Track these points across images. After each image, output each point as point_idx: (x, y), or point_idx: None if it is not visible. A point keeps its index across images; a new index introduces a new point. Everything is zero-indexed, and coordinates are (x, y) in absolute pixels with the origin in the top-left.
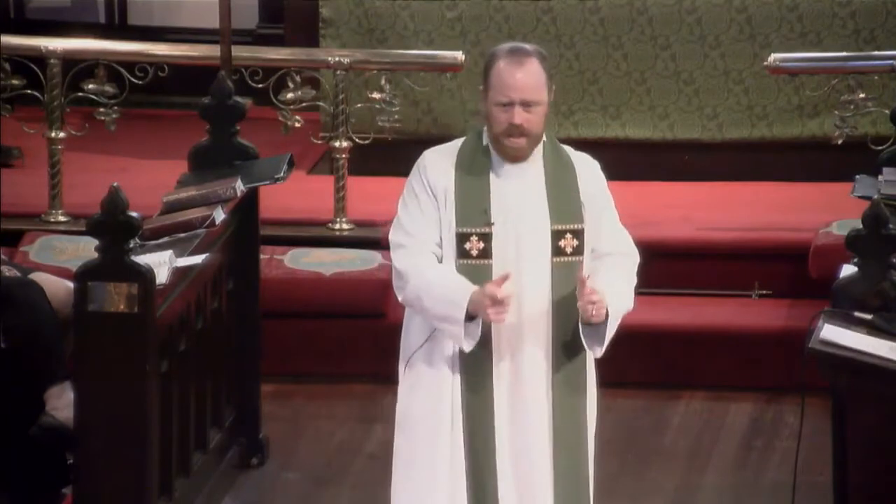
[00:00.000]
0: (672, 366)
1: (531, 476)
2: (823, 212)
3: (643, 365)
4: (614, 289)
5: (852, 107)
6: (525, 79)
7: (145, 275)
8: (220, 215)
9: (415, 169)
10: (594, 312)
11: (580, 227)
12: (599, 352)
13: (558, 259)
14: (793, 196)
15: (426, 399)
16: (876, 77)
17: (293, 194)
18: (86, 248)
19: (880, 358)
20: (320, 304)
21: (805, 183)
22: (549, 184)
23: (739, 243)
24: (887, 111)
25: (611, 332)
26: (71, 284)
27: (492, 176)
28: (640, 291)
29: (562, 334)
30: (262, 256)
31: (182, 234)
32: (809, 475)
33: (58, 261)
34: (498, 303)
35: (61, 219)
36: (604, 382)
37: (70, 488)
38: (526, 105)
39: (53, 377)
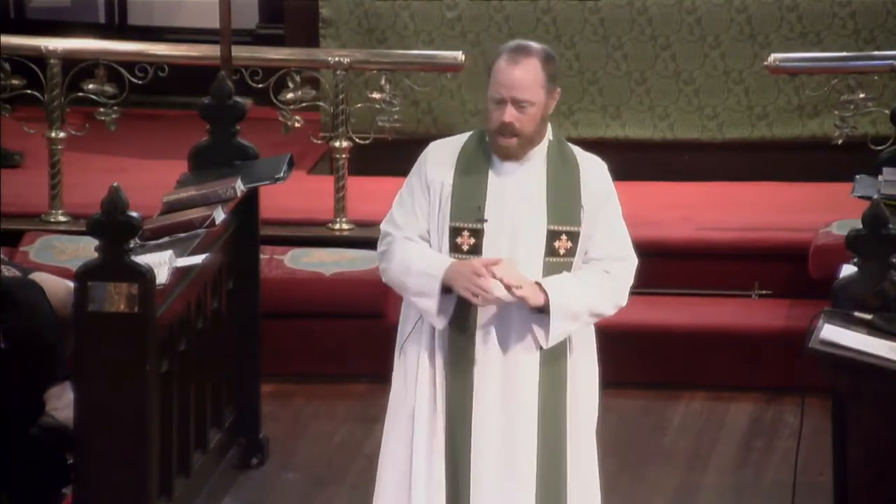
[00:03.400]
0: (672, 366)
1: (514, 468)
2: (823, 212)
3: (643, 365)
4: (566, 287)
5: (852, 107)
6: (518, 77)
7: (145, 275)
8: (220, 215)
9: (418, 160)
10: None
11: (577, 229)
12: (544, 343)
13: (551, 259)
14: (793, 196)
15: (410, 386)
16: (876, 77)
17: (293, 194)
18: (86, 248)
19: (880, 358)
20: (320, 304)
21: (805, 183)
22: (549, 184)
23: (739, 243)
24: (887, 111)
25: (558, 326)
26: (71, 284)
27: (491, 173)
28: (640, 291)
29: None
30: (262, 256)
31: (182, 234)
32: (809, 475)
33: (58, 261)
34: (478, 275)
35: (61, 219)
36: (604, 382)
37: (70, 488)
38: (517, 104)
39: (53, 377)
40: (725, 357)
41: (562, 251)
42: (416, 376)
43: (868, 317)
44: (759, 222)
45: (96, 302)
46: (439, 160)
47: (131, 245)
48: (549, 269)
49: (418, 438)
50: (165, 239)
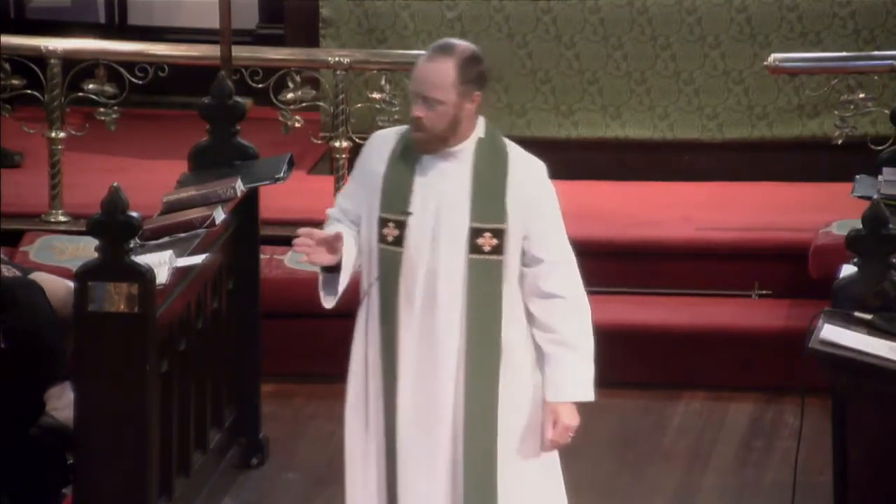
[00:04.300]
0: (672, 366)
1: (434, 473)
2: (823, 212)
3: (643, 365)
4: (571, 372)
5: (852, 107)
6: (427, 75)
7: (145, 275)
8: (220, 215)
9: (363, 148)
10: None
11: (501, 227)
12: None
13: (474, 256)
14: (793, 196)
15: (351, 386)
16: (876, 77)
17: (293, 194)
18: (86, 248)
19: (880, 358)
20: (320, 304)
21: (805, 183)
22: (474, 181)
23: (739, 243)
24: (887, 111)
25: (589, 389)
26: (71, 284)
27: (418, 167)
28: (640, 291)
29: (474, 329)
30: (262, 256)
31: (182, 234)
32: (809, 475)
33: (58, 261)
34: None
35: (61, 219)
36: (604, 382)
37: (70, 488)
38: (426, 100)
39: (53, 377)
40: (725, 357)
41: (486, 248)
42: (358, 380)
43: (868, 317)
44: (759, 222)
45: (96, 302)
46: (377, 150)
47: (131, 245)
48: (474, 266)
49: (360, 446)
50: (165, 239)
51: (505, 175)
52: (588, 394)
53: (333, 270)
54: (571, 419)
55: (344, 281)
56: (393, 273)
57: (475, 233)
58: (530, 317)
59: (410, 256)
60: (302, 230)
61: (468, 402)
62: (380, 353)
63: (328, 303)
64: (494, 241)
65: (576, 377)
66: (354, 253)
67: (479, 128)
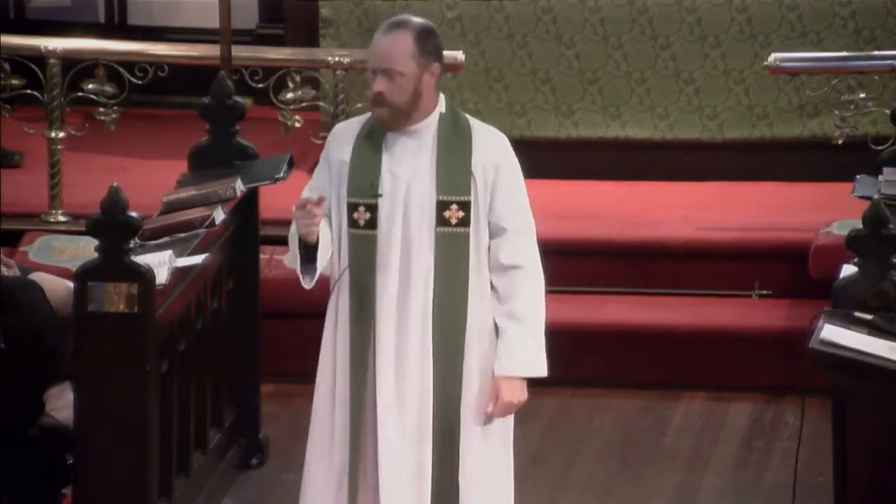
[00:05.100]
0: (672, 366)
1: (408, 447)
2: (823, 212)
3: (643, 365)
4: (522, 347)
5: (852, 107)
6: (385, 48)
7: (145, 275)
8: (220, 215)
9: (326, 142)
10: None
11: (466, 199)
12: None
13: (442, 229)
14: (793, 196)
15: (321, 365)
16: (876, 77)
17: (293, 194)
18: (86, 248)
19: (880, 358)
20: (320, 304)
21: (805, 183)
22: (439, 155)
23: (739, 243)
24: (887, 111)
25: (538, 364)
26: (71, 284)
27: (384, 148)
28: (640, 291)
29: (442, 301)
30: (262, 256)
31: (182, 234)
32: (809, 475)
33: (58, 261)
34: (302, 208)
35: (61, 219)
36: (604, 382)
37: (70, 488)
38: (387, 74)
39: (53, 377)
40: (725, 357)
41: (453, 221)
42: (329, 358)
43: (868, 317)
44: (759, 222)
45: (96, 302)
46: (341, 140)
47: (131, 245)
48: (442, 239)
49: (327, 425)
50: (165, 239)
51: (469, 148)
52: (535, 369)
53: (309, 259)
54: (513, 395)
55: (323, 259)
56: (367, 256)
57: (442, 206)
58: (493, 289)
59: (384, 238)
60: (306, 198)
61: (436, 373)
62: (355, 339)
63: (307, 283)
64: (461, 214)
65: (522, 353)
66: (329, 234)
67: (441, 104)
